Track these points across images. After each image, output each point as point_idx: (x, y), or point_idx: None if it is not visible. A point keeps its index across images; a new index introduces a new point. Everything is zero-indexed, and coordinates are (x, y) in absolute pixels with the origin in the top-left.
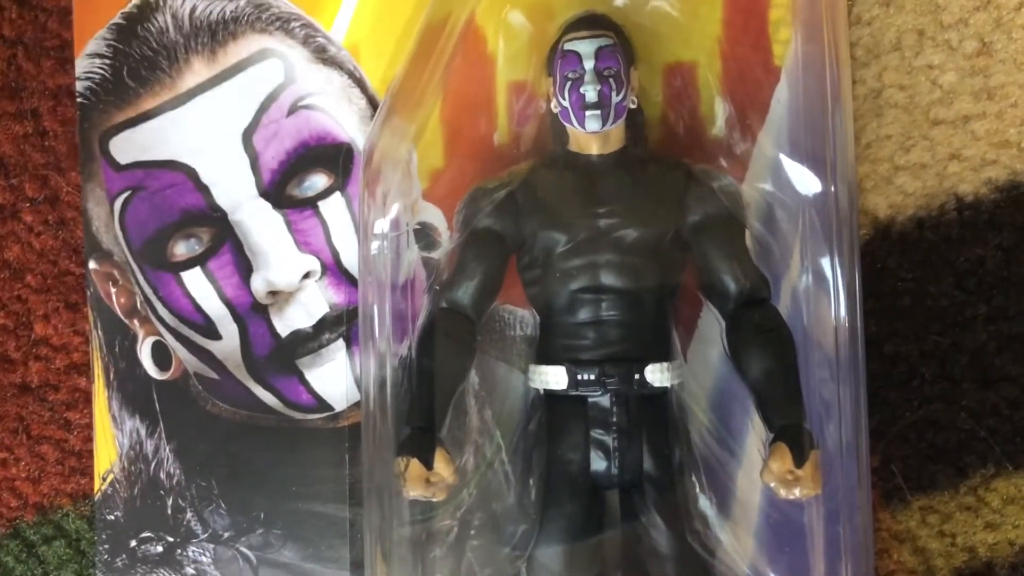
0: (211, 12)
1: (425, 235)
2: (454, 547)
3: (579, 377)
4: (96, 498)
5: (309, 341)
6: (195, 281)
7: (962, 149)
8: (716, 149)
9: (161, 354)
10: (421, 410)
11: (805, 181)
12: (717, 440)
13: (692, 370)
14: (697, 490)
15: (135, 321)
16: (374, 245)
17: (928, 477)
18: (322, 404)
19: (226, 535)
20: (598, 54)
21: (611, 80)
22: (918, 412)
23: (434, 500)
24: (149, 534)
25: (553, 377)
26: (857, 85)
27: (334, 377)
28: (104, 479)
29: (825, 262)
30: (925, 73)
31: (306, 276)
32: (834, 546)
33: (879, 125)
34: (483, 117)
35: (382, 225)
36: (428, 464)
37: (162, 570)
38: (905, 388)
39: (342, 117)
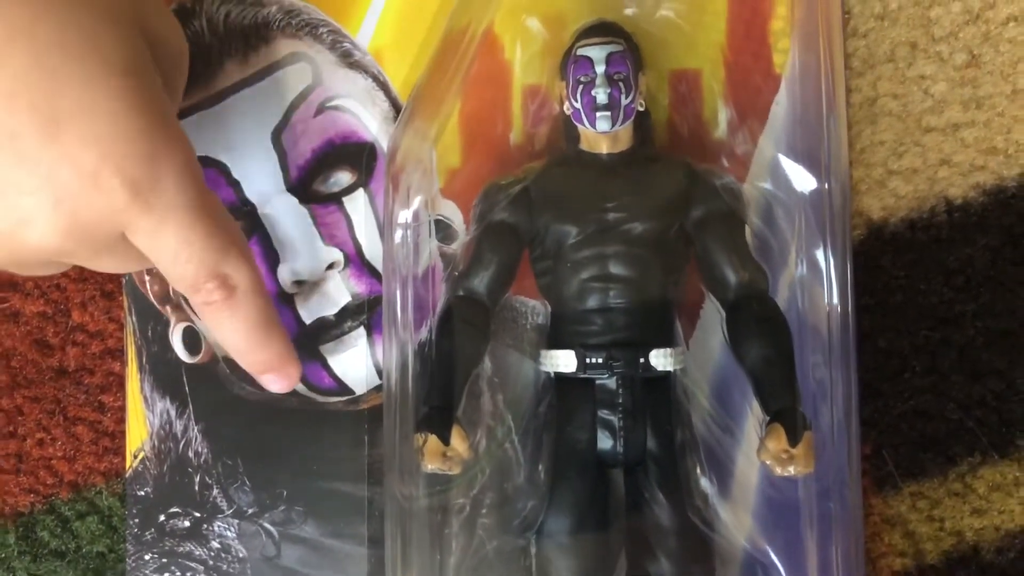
0: (244, 17)
1: (443, 228)
2: (466, 524)
3: (588, 360)
4: (127, 475)
5: (332, 328)
6: None
7: (952, 155)
8: (719, 150)
9: (192, 339)
10: (439, 390)
11: (801, 179)
12: (718, 424)
13: (694, 357)
14: (698, 471)
15: (167, 308)
16: (397, 236)
17: (918, 465)
18: (343, 388)
19: (250, 511)
20: (609, 59)
21: (621, 84)
22: (909, 403)
23: (450, 473)
24: (177, 509)
25: (563, 360)
26: (853, 93)
27: (355, 362)
28: (135, 457)
29: (819, 253)
30: (917, 83)
31: (330, 267)
32: (825, 522)
33: (873, 132)
34: (499, 119)
35: (405, 215)
36: (445, 440)
37: (189, 544)
38: (897, 380)
39: (366, 118)
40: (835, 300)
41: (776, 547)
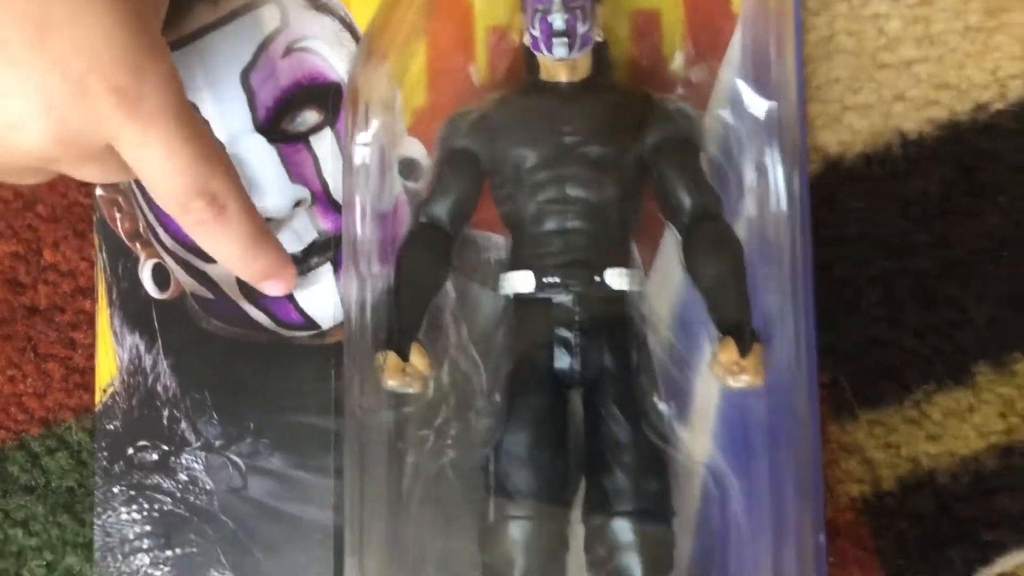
0: None
1: (409, 166)
2: (430, 454)
3: (544, 280)
4: (97, 409)
5: (299, 264)
6: None
7: (906, 90)
8: (677, 84)
9: (161, 275)
10: (400, 313)
11: (755, 104)
12: (678, 352)
13: (656, 289)
14: (654, 395)
15: (137, 245)
16: (358, 174)
17: (875, 392)
18: (310, 323)
19: (218, 444)
20: None
21: (577, 11)
22: (866, 332)
23: (409, 391)
24: (145, 443)
25: (521, 281)
26: (809, 32)
27: (321, 298)
28: (105, 391)
29: (768, 161)
30: (872, 21)
31: (297, 204)
32: (779, 440)
33: (829, 68)
34: (464, 59)
35: (365, 153)
36: (404, 356)
37: (157, 476)
38: (853, 310)
39: (333, 59)
40: (784, 207)
41: (734, 466)
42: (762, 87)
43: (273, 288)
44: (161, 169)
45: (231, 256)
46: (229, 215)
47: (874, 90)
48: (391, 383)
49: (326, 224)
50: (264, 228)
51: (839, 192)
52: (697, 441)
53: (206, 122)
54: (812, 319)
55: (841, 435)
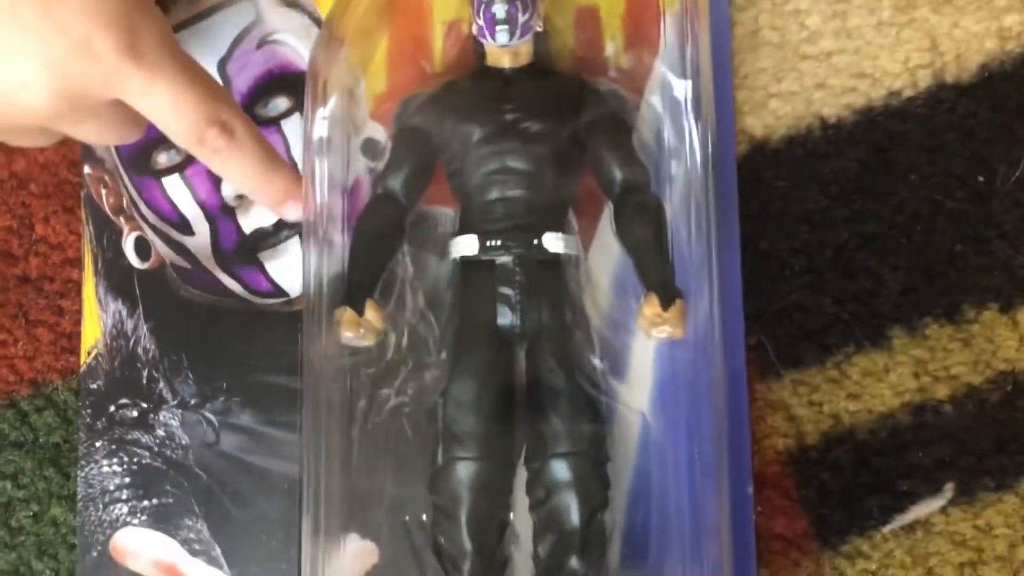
0: None
1: (371, 147)
2: (389, 412)
3: (488, 243)
4: (82, 370)
5: (269, 237)
6: (174, 186)
7: (826, 79)
8: (611, 69)
9: (142, 247)
10: (356, 273)
11: (677, 85)
12: (615, 316)
13: (595, 260)
14: (591, 354)
15: (121, 219)
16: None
17: (798, 354)
18: (279, 291)
19: (193, 402)
20: None
21: (518, 2)
22: (789, 298)
23: (364, 344)
24: (126, 400)
25: (466, 244)
26: (737, 26)
27: (290, 268)
28: (89, 354)
29: (687, 129)
30: (794, 16)
31: None
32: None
33: (755, 59)
34: (422, 50)
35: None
36: (360, 311)
37: (136, 432)
38: (777, 278)
39: (302, 51)
40: (699, 168)
41: (663, 417)
42: (682, 71)
43: (291, 211)
44: (172, 110)
45: (251, 179)
46: (240, 139)
47: (796, 79)
48: (347, 335)
49: None
50: (274, 151)
51: (764, 171)
52: (632, 394)
53: (206, 70)
54: (739, 286)
55: (767, 393)
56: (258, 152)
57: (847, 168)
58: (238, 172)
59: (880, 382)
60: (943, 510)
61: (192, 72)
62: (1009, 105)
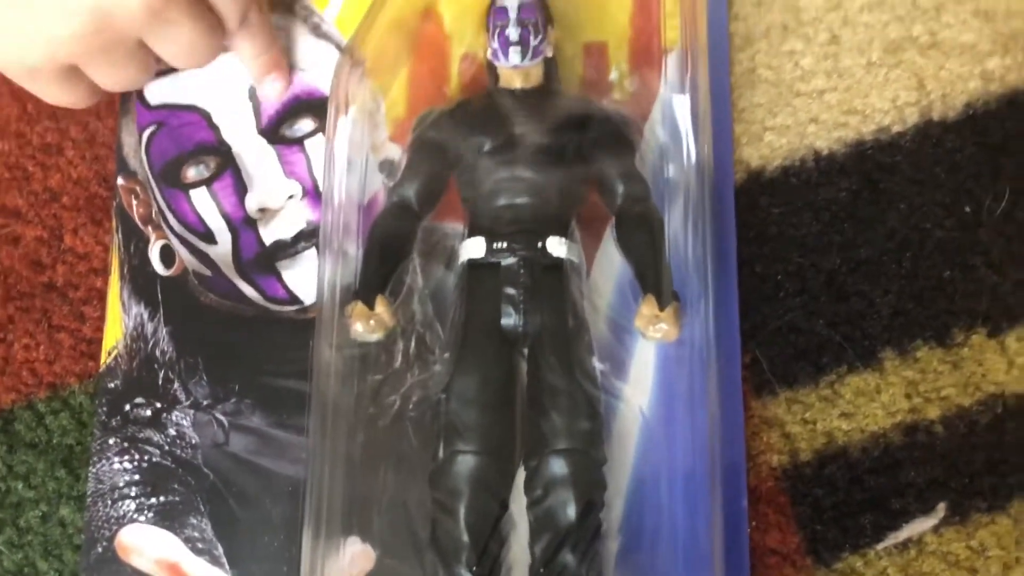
0: None
1: (389, 167)
2: (396, 419)
3: (494, 246)
4: (101, 369)
5: (288, 248)
6: (201, 198)
7: (818, 115)
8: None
9: (167, 255)
10: (368, 272)
11: (681, 117)
12: (618, 322)
13: (600, 270)
14: (591, 356)
15: (149, 228)
16: (338, 170)
17: (792, 373)
18: (294, 299)
19: (205, 403)
20: (520, 8)
21: (530, 27)
22: (784, 319)
23: (373, 337)
24: (141, 400)
25: (474, 247)
26: (735, 65)
27: (306, 278)
28: (110, 354)
29: (684, 136)
30: (788, 56)
31: (290, 197)
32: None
33: (752, 95)
34: (440, 79)
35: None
36: (370, 305)
37: (148, 430)
38: (772, 300)
39: (328, 77)
40: (694, 161)
41: (662, 423)
42: (683, 90)
43: (275, 83)
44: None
45: (252, 50)
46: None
47: (791, 114)
48: (358, 327)
49: (314, 214)
50: (275, 32)
51: (761, 199)
52: (632, 396)
53: None
54: (736, 306)
55: (762, 410)
56: (266, 27)
57: (839, 197)
58: (260, 45)
59: (872, 402)
60: (936, 530)
61: None
62: (993, 141)
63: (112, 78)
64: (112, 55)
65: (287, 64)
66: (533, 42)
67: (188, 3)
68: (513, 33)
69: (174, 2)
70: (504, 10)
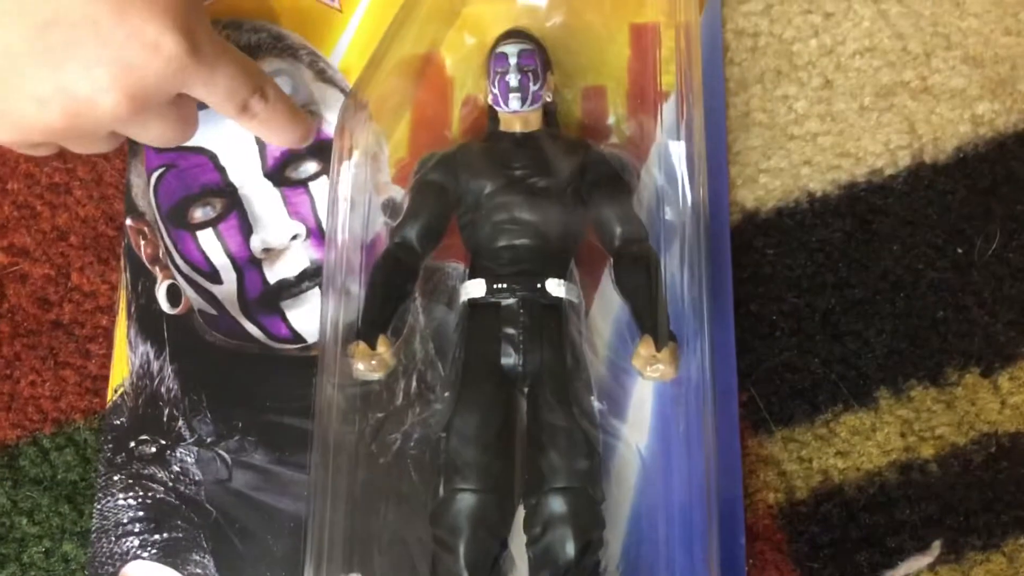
0: (241, 40)
1: (391, 207)
2: (397, 456)
3: (494, 286)
4: (107, 407)
5: (291, 287)
6: (207, 239)
7: (812, 157)
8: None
9: (173, 294)
10: (370, 311)
11: (677, 159)
12: (616, 362)
13: (598, 311)
14: (590, 395)
15: (156, 267)
16: (341, 211)
17: (788, 412)
18: (297, 337)
19: (209, 440)
20: (520, 55)
21: (530, 73)
22: (779, 358)
23: (375, 376)
24: (146, 437)
25: (475, 287)
26: (730, 109)
27: (308, 317)
28: (116, 391)
29: (680, 178)
30: (782, 101)
31: (294, 237)
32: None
33: (747, 138)
34: (442, 122)
35: (347, 189)
36: (372, 345)
37: (153, 467)
38: (768, 339)
39: (333, 120)
40: (689, 202)
41: (659, 463)
42: (679, 136)
43: (305, 142)
44: (227, 92)
45: (282, 131)
46: (273, 100)
47: (785, 156)
48: (360, 367)
49: (317, 255)
50: (296, 106)
51: (756, 240)
52: (630, 435)
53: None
54: (732, 345)
55: (759, 449)
56: (286, 108)
57: (833, 238)
58: (274, 129)
59: (867, 440)
60: (931, 568)
61: (234, 55)
62: (983, 184)
63: (87, 151)
64: (84, 140)
65: (310, 131)
66: (532, 88)
67: (158, 105)
68: (513, 80)
69: (142, 110)
70: (504, 57)
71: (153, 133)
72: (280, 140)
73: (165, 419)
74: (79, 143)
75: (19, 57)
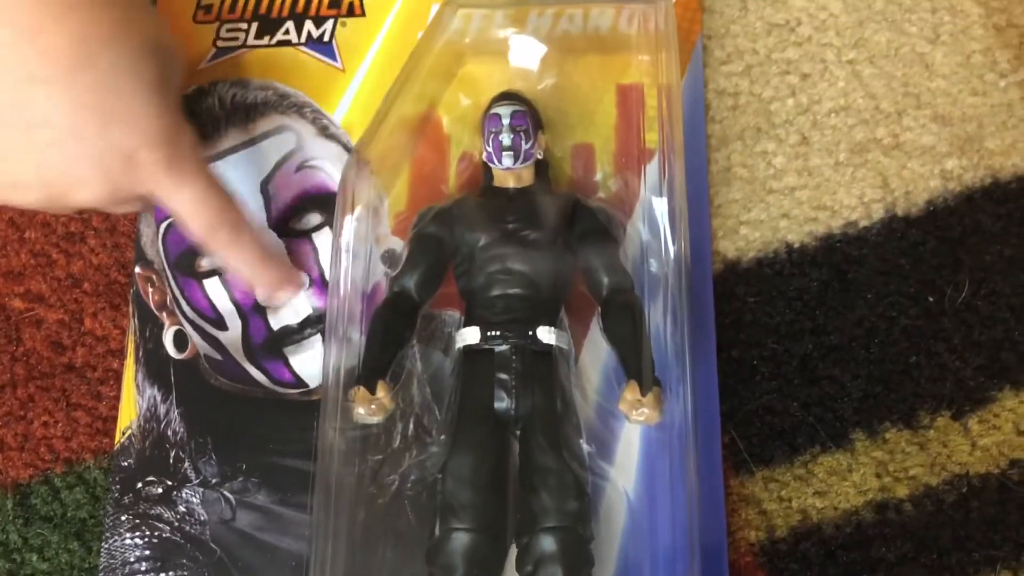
0: (247, 98)
1: (391, 258)
2: (395, 497)
3: (488, 334)
4: (115, 449)
5: (294, 334)
6: (213, 286)
7: (790, 210)
8: (604, 195)
9: (180, 339)
10: (370, 358)
11: (661, 213)
12: (605, 407)
13: (587, 358)
14: (579, 437)
15: (163, 314)
16: (343, 262)
17: (768, 453)
18: (300, 382)
19: (214, 481)
20: (513, 115)
21: (522, 133)
22: (759, 401)
23: (374, 420)
24: (153, 478)
25: (469, 334)
26: (712, 164)
27: (311, 363)
28: (124, 434)
29: (663, 233)
30: (762, 156)
31: None
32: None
33: (728, 192)
34: (439, 177)
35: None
36: (372, 390)
37: (159, 507)
38: (748, 383)
39: (335, 175)
40: (672, 255)
41: (645, 504)
42: (662, 199)
43: (285, 295)
44: (193, 209)
45: (251, 268)
46: (244, 238)
47: (764, 209)
48: (360, 411)
49: (320, 303)
50: (270, 249)
51: (737, 288)
52: (618, 479)
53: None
54: (715, 389)
55: (740, 488)
56: (257, 248)
57: (810, 287)
58: (242, 263)
59: (844, 481)
60: None
61: (209, 177)
62: (953, 236)
63: (122, 212)
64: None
65: (296, 272)
66: (524, 146)
67: (130, 198)
68: (506, 139)
69: (114, 204)
70: (498, 117)
71: (119, 211)
72: (250, 277)
73: (171, 461)
74: (62, 212)
75: (3, 144)
